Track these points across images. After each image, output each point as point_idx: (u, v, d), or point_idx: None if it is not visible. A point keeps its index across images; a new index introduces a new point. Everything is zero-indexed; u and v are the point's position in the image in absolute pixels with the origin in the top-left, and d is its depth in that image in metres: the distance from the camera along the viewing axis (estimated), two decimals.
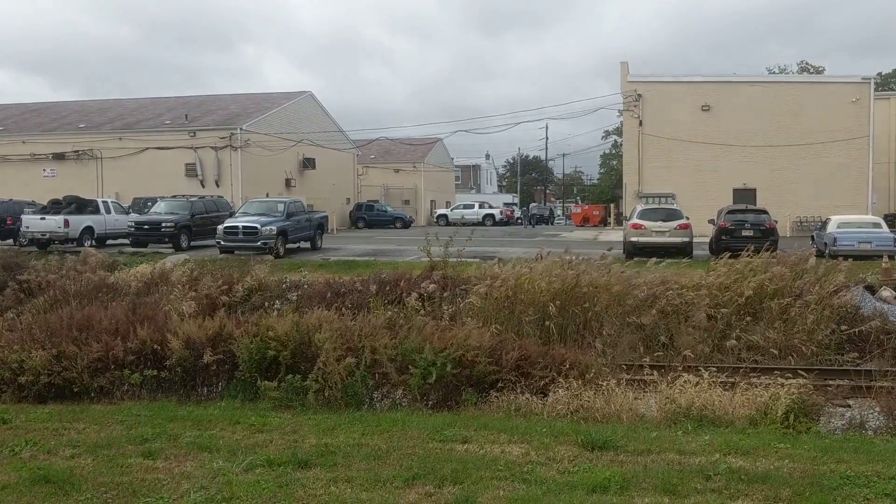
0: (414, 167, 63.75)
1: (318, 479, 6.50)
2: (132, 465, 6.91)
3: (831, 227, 25.26)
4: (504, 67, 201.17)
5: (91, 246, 26.50)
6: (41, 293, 18.26)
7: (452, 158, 77.55)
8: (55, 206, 30.21)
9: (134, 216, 31.05)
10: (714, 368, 10.47)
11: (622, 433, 8.01)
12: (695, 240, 25.43)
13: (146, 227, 28.92)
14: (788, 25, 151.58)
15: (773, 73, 66.76)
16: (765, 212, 26.25)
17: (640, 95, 41.35)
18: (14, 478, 6.46)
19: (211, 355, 10.32)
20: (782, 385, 9.12)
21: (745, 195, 38.09)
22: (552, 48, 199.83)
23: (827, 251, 23.03)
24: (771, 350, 12.92)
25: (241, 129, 40.47)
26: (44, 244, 27.90)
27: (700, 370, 10.02)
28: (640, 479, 6.48)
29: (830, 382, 11.23)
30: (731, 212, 26.18)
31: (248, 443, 7.69)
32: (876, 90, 42.23)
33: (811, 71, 66.35)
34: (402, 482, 6.38)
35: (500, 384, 9.87)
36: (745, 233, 23.91)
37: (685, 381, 9.34)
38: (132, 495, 6.07)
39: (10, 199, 32.65)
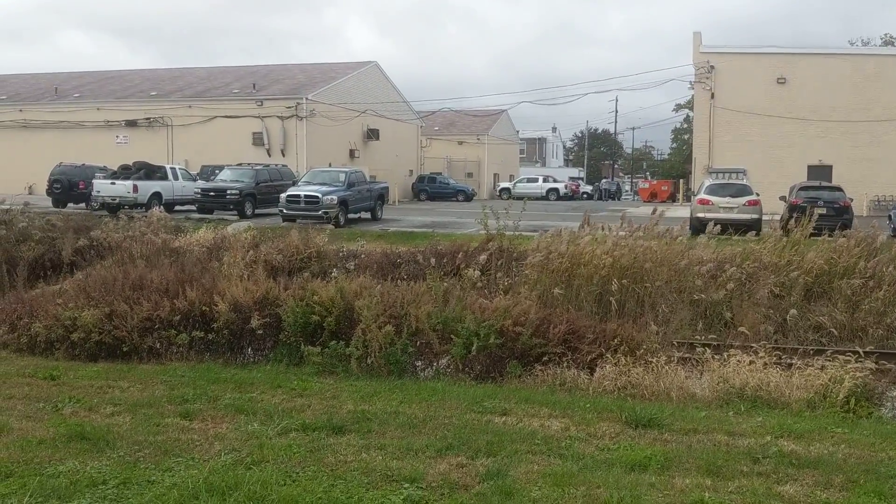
0: (478, 139, 63.04)
1: (350, 445, 6.41)
2: (168, 424, 6.94)
3: None
4: (598, 34, 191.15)
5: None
6: (110, 254, 18.73)
7: (518, 131, 76.48)
8: (125, 172, 30.93)
9: (201, 183, 31.54)
10: (771, 347, 9.99)
11: (669, 412, 7.71)
12: (765, 217, 24.53)
13: (212, 193, 29.40)
14: None
15: (856, 45, 63.87)
16: (839, 189, 25.13)
17: (712, 67, 39.94)
18: (52, 433, 6.54)
19: (258, 319, 10.33)
20: (844, 367, 8.65)
21: (820, 172, 36.56)
22: (655, 12, 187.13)
23: None
24: (836, 331, 12.34)
25: (306, 98, 40.62)
26: (114, 209, 28.47)
27: (755, 349, 9.56)
28: (683, 458, 6.21)
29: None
30: (803, 188, 25.16)
31: (286, 407, 7.65)
32: None
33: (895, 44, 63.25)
34: (435, 452, 6.24)
35: (545, 357, 9.61)
36: (817, 210, 22.91)
37: (739, 361, 8.95)
38: (163, 454, 6.06)
39: (83, 164, 33.46)
